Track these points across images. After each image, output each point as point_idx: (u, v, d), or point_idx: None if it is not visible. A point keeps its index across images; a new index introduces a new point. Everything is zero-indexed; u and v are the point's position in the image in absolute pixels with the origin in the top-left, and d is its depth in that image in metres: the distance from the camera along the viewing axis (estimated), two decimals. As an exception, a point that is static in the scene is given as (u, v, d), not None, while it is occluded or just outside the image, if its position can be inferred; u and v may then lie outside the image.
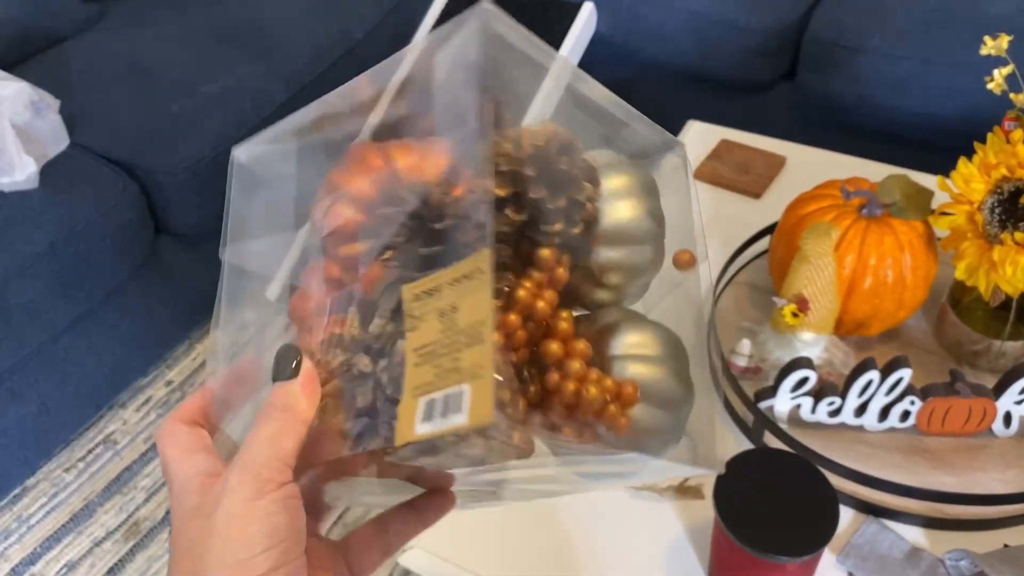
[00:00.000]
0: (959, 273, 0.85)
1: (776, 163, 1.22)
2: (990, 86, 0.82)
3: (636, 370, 0.38)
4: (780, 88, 1.78)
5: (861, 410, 0.84)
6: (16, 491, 1.55)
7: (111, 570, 1.45)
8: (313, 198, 0.41)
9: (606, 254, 0.40)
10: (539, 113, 0.42)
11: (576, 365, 0.36)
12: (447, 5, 1.91)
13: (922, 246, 0.88)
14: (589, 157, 0.40)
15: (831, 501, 0.69)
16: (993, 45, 0.81)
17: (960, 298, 0.92)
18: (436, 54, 0.38)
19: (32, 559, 1.47)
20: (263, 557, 0.33)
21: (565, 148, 0.39)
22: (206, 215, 1.61)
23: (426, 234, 0.38)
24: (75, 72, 1.66)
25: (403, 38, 1.91)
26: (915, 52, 1.55)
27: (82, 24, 1.80)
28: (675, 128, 1.34)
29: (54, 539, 1.50)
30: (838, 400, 0.83)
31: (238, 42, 1.73)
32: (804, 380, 0.82)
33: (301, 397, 0.36)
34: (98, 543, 1.49)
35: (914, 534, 0.79)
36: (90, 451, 1.61)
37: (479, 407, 0.31)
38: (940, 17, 1.56)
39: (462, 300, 0.34)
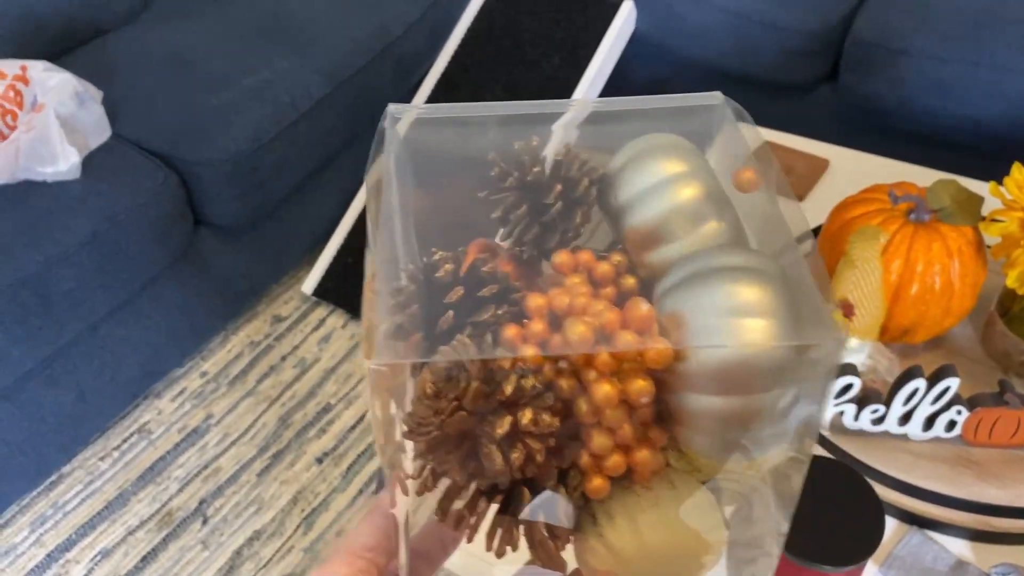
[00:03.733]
0: (1010, 281, 0.83)
1: (819, 166, 1.21)
2: (1046, 91, 0.80)
3: None
4: (822, 90, 1.76)
5: (906, 419, 0.82)
6: (53, 477, 1.57)
7: (144, 559, 1.47)
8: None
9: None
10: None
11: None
12: (484, 3, 1.91)
13: (971, 253, 0.86)
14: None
15: (876, 511, 0.68)
16: (1051, 49, 0.79)
17: (1009, 307, 0.90)
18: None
19: (67, 545, 1.49)
20: None
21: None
22: (244, 207, 1.62)
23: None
24: (117, 64, 1.67)
25: (440, 35, 1.91)
26: (961, 54, 1.52)
27: (125, 16, 1.82)
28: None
29: (89, 526, 1.51)
30: (882, 408, 0.82)
31: (278, 36, 1.73)
32: (848, 387, 0.81)
33: None
34: (132, 531, 1.50)
35: (959, 547, 0.78)
36: (125, 440, 1.63)
37: None
38: (987, 19, 1.53)
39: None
